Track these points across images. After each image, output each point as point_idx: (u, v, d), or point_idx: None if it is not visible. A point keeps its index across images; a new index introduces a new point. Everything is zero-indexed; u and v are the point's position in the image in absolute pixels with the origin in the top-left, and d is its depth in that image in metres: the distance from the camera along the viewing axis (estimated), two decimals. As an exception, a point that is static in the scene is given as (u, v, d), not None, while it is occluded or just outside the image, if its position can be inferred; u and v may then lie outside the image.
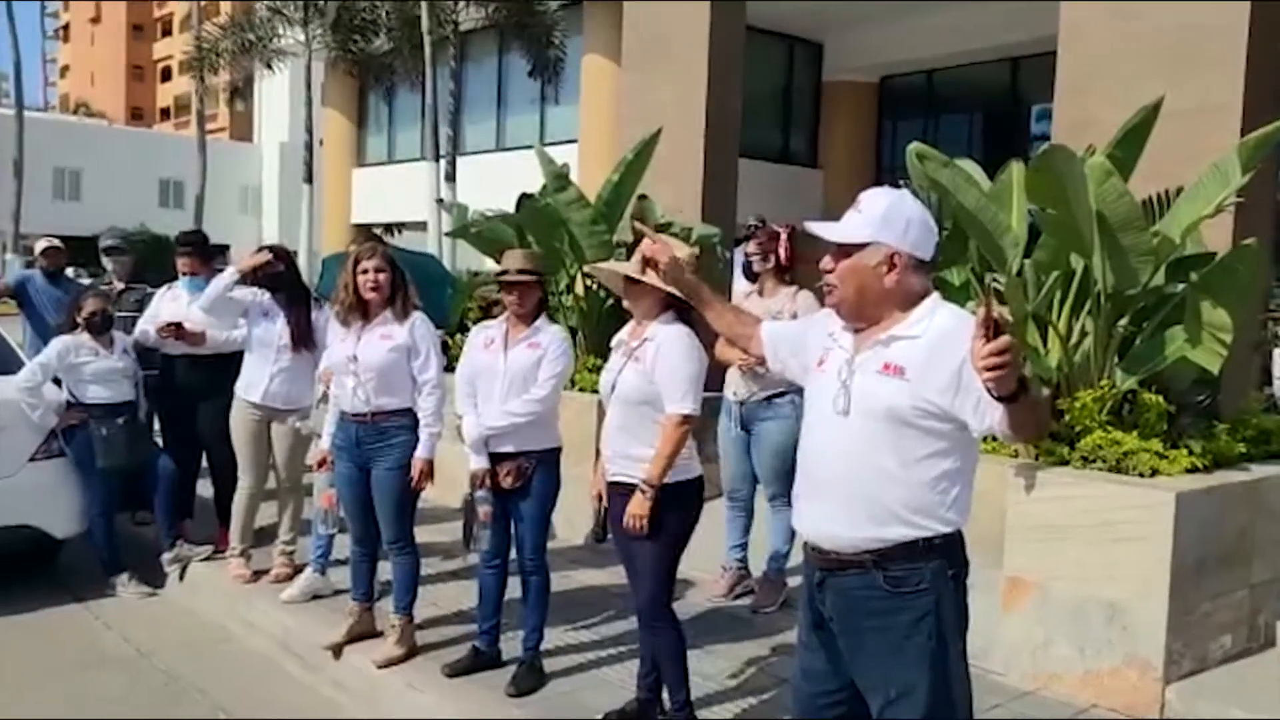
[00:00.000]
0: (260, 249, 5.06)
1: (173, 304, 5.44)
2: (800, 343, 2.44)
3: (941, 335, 2.10)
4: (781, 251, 4.58)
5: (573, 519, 3.52)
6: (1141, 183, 4.14)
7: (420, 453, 3.95)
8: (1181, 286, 4.06)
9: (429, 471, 3.97)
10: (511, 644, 3.90)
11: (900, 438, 2.12)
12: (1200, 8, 4.50)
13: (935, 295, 2.22)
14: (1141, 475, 3.79)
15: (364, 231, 4.55)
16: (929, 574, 2.14)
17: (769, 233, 4.65)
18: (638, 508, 3.16)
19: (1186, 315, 3.90)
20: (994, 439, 2.47)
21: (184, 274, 5.49)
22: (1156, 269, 4.02)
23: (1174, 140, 4.22)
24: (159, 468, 5.28)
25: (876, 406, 2.13)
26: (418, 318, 4.03)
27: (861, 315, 2.21)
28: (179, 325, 5.18)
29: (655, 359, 3.20)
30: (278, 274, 4.91)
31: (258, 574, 5.01)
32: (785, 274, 4.62)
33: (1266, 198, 4.75)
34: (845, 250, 2.19)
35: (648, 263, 2.85)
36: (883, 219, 2.17)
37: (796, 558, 4.72)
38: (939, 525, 2.14)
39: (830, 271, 2.23)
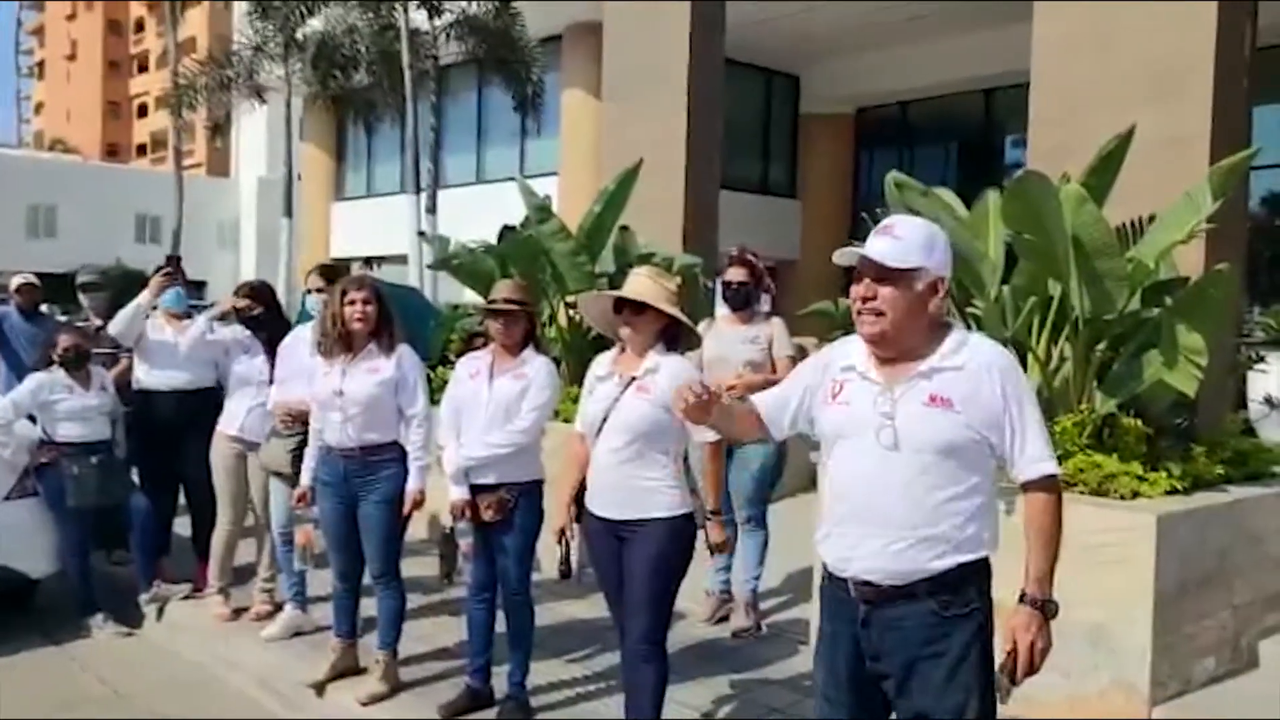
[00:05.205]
0: (241, 286, 5.08)
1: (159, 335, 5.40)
2: (801, 398, 2.42)
3: (984, 368, 2.17)
4: (771, 284, 4.72)
5: (557, 551, 3.54)
6: (1113, 210, 4.21)
7: (411, 484, 3.93)
8: (1157, 311, 4.12)
9: (421, 502, 3.95)
10: (498, 679, 3.86)
11: (948, 469, 2.16)
12: (1168, 44, 4.61)
13: (959, 324, 2.28)
14: (1122, 498, 3.81)
15: (320, 267, 4.57)
16: (974, 595, 2.20)
17: (753, 264, 4.74)
18: (719, 535, 3.26)
19: (1162, 339, 3.95)
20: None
21: (163, 279, 5.39)
22: (1132, 294, 4.07)
23: (1145, 169, 4.30)
24: (132, 506, 5.20)
25: (931, 439, 2.15)
26: (404, 350, 4.00)
27: (900, 344, 2.20)
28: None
29: (673, 388, 3.18)
30: (256, 315, 4.93)
31: (238, 612, 4.95)
32: (759, 302, 4.78)
33: (1237, 224, 4.84)
34: (889, 277, 2.17)
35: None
36: (927, 245, 2.19)
37: (768, 580, 4.77)
38: (979, 550, 2.21)
39: (871, 299, 2.18)
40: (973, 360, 2.17)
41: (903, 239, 2.19)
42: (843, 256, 2.25)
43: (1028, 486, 2.20)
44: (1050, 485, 2.20)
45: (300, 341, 4.54)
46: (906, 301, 2.17)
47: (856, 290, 2.20)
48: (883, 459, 2.18)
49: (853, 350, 2.30)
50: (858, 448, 2.23)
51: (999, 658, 2.21)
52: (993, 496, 2.25)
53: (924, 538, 2.16)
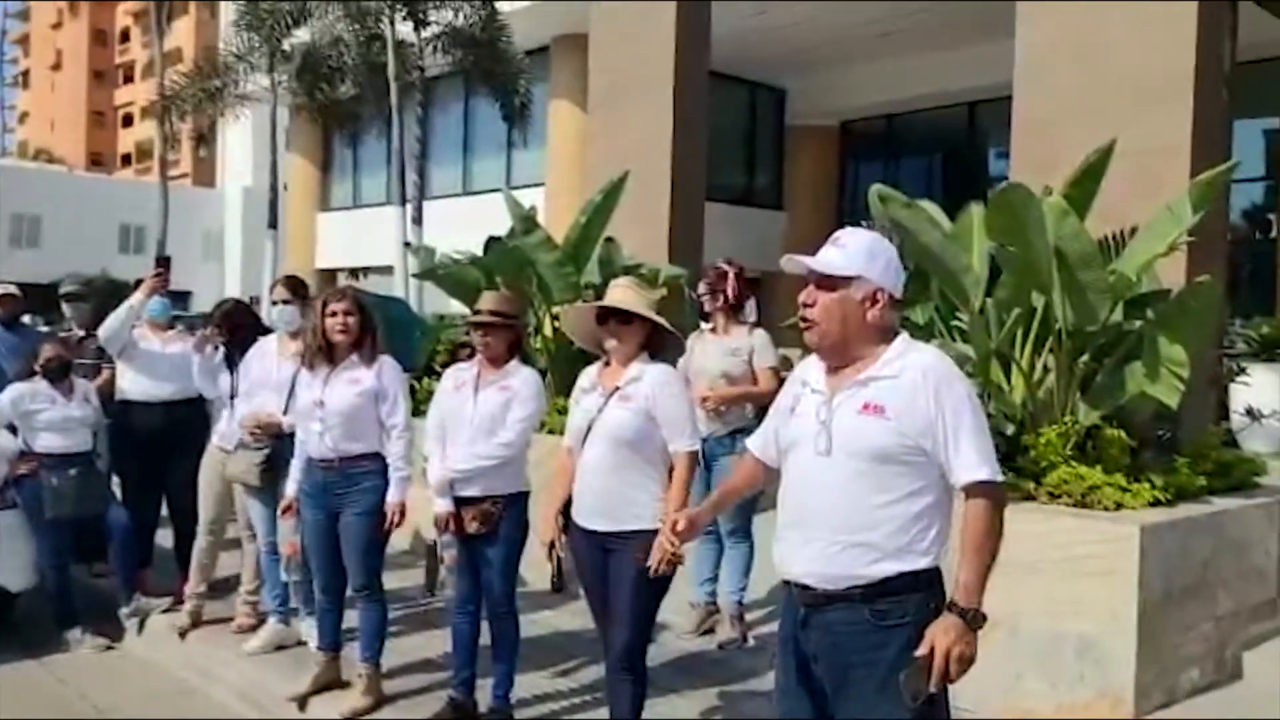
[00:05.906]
0: (216, 309, 5.09)
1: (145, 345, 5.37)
2: (777, 425, 2.43)
3: (921, 374, 2.17)
4: (729, 290, 4.65)
5: (542, 563, 3.53)
6: (1095, 222, 4.25)
7: (392, 496, 3.90)
8: (1139, 323, 4.15)
9: (402, 513, 3.93)
10: (482, 692, 3.84)
11: (884, 475, 2.16)
12: (1149, 55, 4.66)
13: (905, 334, 2.28)
14: (1106, 509, 3.83)
15: (285, 279, 4.62)
16: (913, 607, 2.17)
17: (717, 272, 4.73)
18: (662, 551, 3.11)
19: (1144, 351, 3.98)
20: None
21: (155, 279, 5.40)
22: (1114, 306, 4.10)
23: (1127, 181, 4.34)
24: (112, 519, 5.15)
25: (861, 446, 2.16)
26: (386, 361, 3.99)
27: (840, 352, 2.24)
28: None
29: (655, 397, 3.19)
30: (228, 340, 4.91)
31: (204, 622, 4.89)
32: (737, 312, 4.72)
33: (1218, 237, 4.89)
34: (829, 284, 2.22)
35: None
36: (868, 255, 2.23)
37: (754, 592, 4.77)
38: (922, 560, 2.18)
39: (810, 305, 2.24)
40: (909, 369, 2.18)
41: (846, 248, 2.24)
42: (788, 264, 2.30)
43: (966, 493, 2.18)
44: (985, 492, 2.16)
45: (263, 354, 4.53)
46: (842, 309, 2.21)
47: (799, 297, 2.26)
48: (818, 465, 2.21)
49: (811, 365, 2.34)
50: (801, 455, 2.27)
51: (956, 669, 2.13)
52: (941, 505, 2.22)
53: (857, 543, 2.16)
